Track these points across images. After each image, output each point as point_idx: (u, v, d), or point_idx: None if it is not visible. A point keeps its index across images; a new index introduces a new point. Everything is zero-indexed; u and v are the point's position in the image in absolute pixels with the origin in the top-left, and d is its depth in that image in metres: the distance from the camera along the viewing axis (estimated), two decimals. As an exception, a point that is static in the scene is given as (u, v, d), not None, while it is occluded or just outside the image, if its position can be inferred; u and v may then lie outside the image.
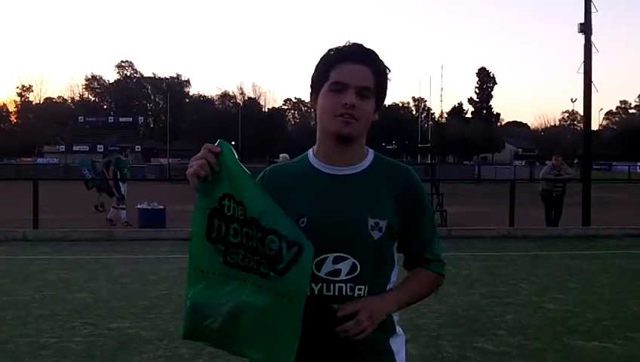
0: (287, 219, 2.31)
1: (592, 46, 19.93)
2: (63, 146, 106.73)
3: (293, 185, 2.53)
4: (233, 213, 2.30)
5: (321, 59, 2.55)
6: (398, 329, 2.64)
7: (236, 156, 2.33)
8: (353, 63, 2.47)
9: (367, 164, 2.59)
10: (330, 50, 2.54)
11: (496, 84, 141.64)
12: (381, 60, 2.55)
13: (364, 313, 2.34)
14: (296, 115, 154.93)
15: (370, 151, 2.64)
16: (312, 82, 2.59)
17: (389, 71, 2.58)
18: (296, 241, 2.26)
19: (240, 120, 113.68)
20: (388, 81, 2.59)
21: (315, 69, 2.56)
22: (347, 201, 2.48)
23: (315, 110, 2.59)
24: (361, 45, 2.53)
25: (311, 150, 2.65)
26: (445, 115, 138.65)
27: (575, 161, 28.12)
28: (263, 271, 2.29)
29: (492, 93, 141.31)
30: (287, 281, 2.25)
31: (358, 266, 2.44)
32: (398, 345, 2.62)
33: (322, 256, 2.42)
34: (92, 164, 21.90)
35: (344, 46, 2.52)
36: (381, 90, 2.55)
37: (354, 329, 2.32)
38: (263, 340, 2.29)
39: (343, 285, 2.43)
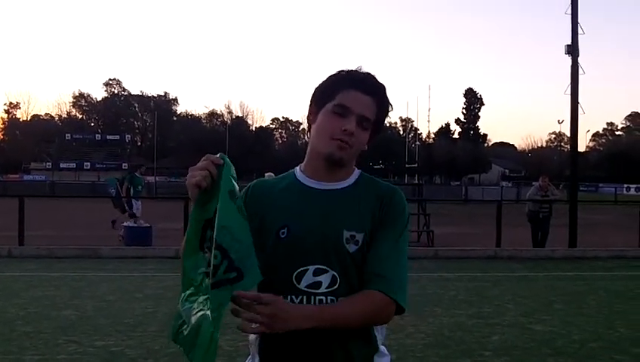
0: (247, 246, 2.24)
1: (579, 67, 20.07)
2: (50, 163, 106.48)
3: (277, 198, 2.52)
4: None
5: (330, 76, 2.56)
6: (383, 348, 2.59)
7: (233, 172, 2.31)
8: (362, 92, 2.48)
9: (352, 180, 2.59)
10: (341, 71, 2.55)
11: (483, 104, 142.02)
12: (387, 97, 2.57)
13: (267, 309, 2.20)
14: (284, 134, 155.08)
15: (357, 170, 2.64)
16: (315, 96, 2.58)
17: (392, 109, 2.61)
18: (239, 268, 2.20)
19: (227, 138, 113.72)
20: (387, 117, 2.63)
21: (323, 84, 2.56)
22: (326, 214, 2.47)
23: (310, 123, 2.60)
24: (373, 77, 2.54)
25: (298, 166, 2.66)
26: (432, 136, 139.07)
27: (561, 186, 28.13)
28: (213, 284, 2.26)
29: (479, 113, 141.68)
30: (211, 297, 2.20)
31: (338, 279, 2.42)
32: (384, 364, 2.60)
33: (302, 268, 2.42)
34: (117, 182, 21.72)
35: (357, 72, 2.54)
36: (379, 124, 2.58)
37: (245, 308, 2.21)
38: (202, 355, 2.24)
39: (324, 298, 2.41)
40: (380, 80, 2.56)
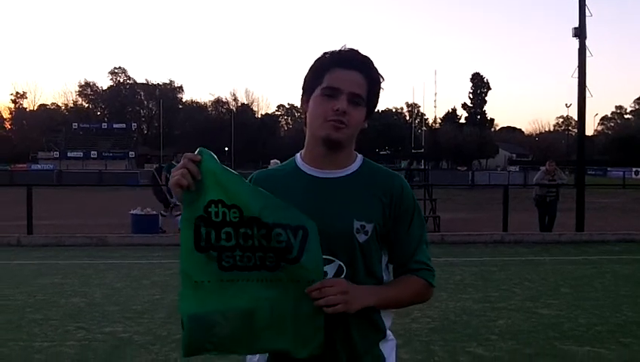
0: (285, 206, 2.31)
1: (587, 50, 19.89)
2: (57, 153, 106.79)
3: (279, 188, 2.47)
4: (224, 218, 2.28)
5: (315, 61, 2.52)
6: (389, 333, 2.61)
7: (219, 162, 2.32)
8: (347, 69, 2.44)
9: (355, 168, 2.57)
10: (325, 53, 2.51)
11: (490, 89, 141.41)
12: (375, 68, 2.52)
13: (335, 289, 2.29)
14: (289, 121, 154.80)
15: (359, 156, 2.62)
16: (304, 84, 2.56)
17: (383, 79, 2.55)
18: (299, 225, 2.28)
19: (233, 126, 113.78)
20: (381, 89, 2.57)
21: (309, 71, 2.53)
22: (333, 204, 2.46)
23: (305, 112, 2.57)
24: (356, 51, 2.50)
25: (298, 154, 2.64)
26: (439, 121, 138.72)
27: (567, 171, 27.89)
28: (269, 265, 2.30)
29: (486, 98, 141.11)
30: (302, 266, 2.27)
31: (345, 269, 2.42)
32: (389, 349, 2.60)
33: None
34: (154, 173, 21.31)
35: (340, 51, 2.49)
36: (373, 98, 2.53)
37: (319, 295, 2.28)
38: (285, 329, 2.31)
39: None
40: (365, 53, 2.52)
